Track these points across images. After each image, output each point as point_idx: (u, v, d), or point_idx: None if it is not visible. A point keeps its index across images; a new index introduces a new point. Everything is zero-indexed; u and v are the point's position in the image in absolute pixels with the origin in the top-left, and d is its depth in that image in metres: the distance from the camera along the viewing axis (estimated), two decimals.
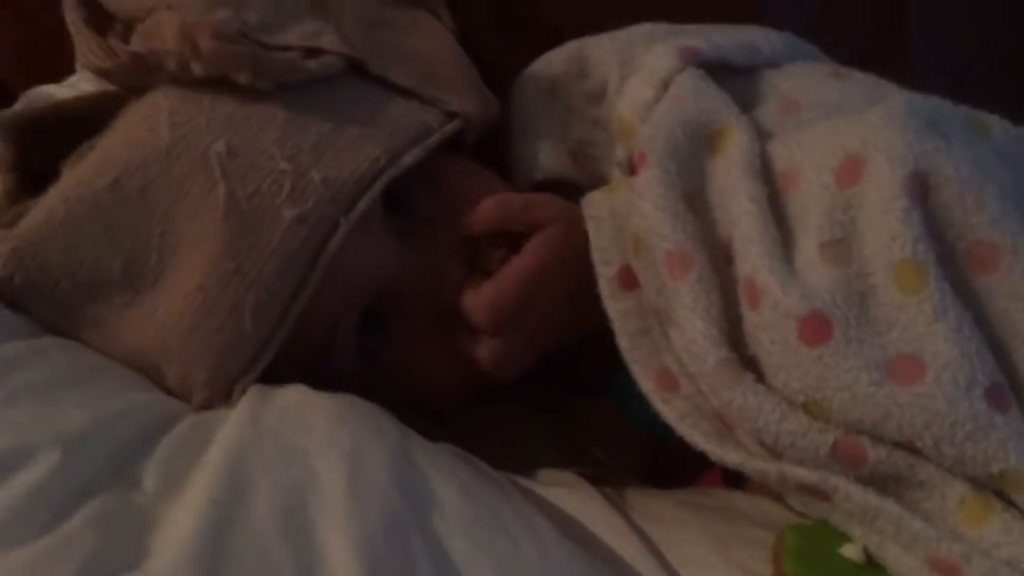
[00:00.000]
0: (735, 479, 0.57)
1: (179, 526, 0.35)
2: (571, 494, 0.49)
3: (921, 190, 0.43)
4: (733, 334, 0.46)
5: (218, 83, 0.51)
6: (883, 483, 0.44)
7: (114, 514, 0.36)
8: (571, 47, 0.61)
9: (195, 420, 0.44)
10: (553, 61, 0.61)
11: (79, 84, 0.67)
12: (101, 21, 0.54)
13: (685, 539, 0.47)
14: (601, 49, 0.60)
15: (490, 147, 0.61)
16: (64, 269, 0.49)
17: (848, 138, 0.46)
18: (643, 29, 0.61)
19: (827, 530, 0.45)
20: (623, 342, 0.49)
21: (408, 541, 0.37)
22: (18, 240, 0.50)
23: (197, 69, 0.50)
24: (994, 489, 0.42)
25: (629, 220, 0.49)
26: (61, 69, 0.71)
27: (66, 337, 0.50)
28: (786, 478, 0.44)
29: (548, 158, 0.59)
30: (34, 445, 0.37)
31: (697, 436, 0.46)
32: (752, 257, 0.45)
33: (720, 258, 0.47)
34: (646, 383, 0.48)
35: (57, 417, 0.40)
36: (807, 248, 0.45)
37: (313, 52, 0.54)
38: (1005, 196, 0.43)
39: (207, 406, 0.48)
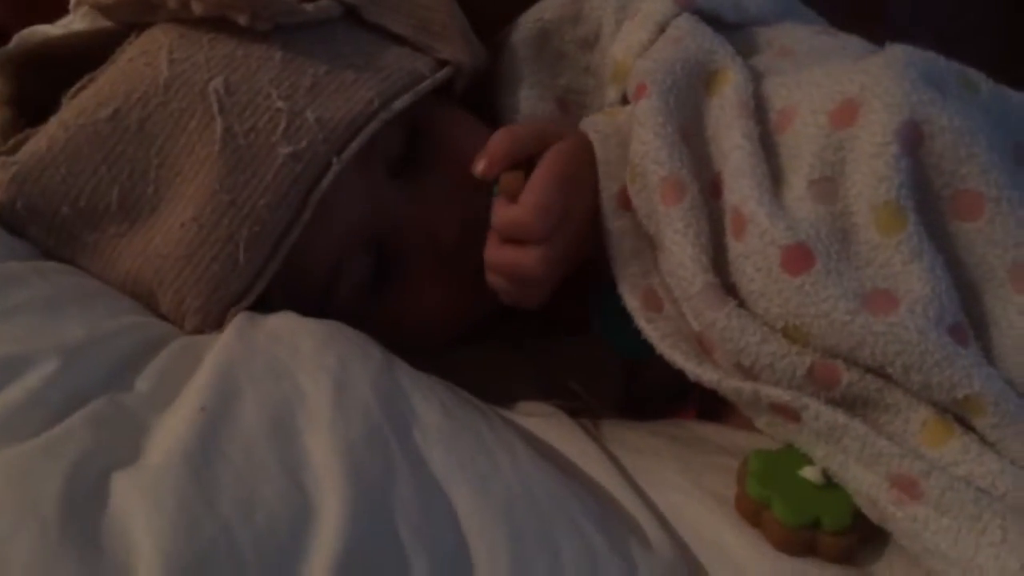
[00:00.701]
0: (707, 415, 0.59)
1: (171, 429, 0.38)
2: (548, 423, 0.51)
3: (914, 138, 0.45)
4: (717, 262, 0.48)
5: (217, 22, 0.52)
6: (852, 405, 0.46)
7: (109, 416, 0.38)
8: None
9: (186, 340, 0.46)
10: (547, 7, 0.62)
11: (72, 25, 0.67)
12: None
13: (656, 465, 0.50)
14: None
15: (475, 95, 0.63)
16: (64, 195, 0.51)
17: (847, 83, 0.48)
18: None
19: (789, 455, 0.47)
20: (615, 259, 0.51)
21: (389, 450, 0.39)
22: (20, 166, 0.51)
23: (197, 8, 0.52)
24: (955, 414, 0.44)
25: (629, 143, 0.50)
26: (55, 12, 0.72)
27: (64, 263, 0.51)
28: (759, 397, 0.46)
29: (535, 105, 0.60)
30: (33, 354, 0.39)
31: (677, 355, 0.49)
32: (741, 189, 0.47)
33: (709, 190, 0.49)
34: (632, 301, 0.50)
35: (56, 330, 0.42)
36: (796, 184, 0.47)
37: None
38: (992, 149, 0.46)
39: (199, 331, 0.50)
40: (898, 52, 0.49)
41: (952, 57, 0.53)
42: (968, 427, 0.44)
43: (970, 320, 0.45)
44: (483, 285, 0.60)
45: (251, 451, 0.37)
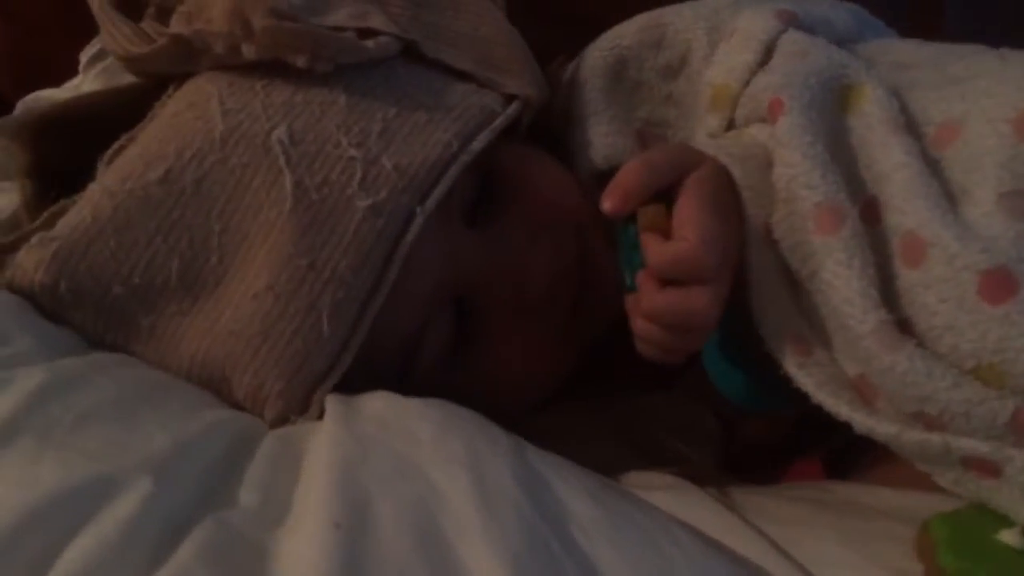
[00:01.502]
0: (834, 471, 0.54)
1: (300, 556, 0.31)
2: (677, 497, 0.45)
3: None
4: (885, 297, 0.42)
5: (269, 66, 0.47)
6: None
7: (222, 544, 0.31)
8: (646, 17, 0.56)
9: (280, 435, 0.39)
10: (624, 33, 0.56)
11: (81, 87, 0.61)
12: (132, 4, 0.49)
13: (810, 536, 0.43)
14: (682, 17, 0.55)
15: (536, 131, 0.57)
16: (115, 272, 0.44)
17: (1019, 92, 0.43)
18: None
19: (976, 517, 0.41)
20: (758, 297, 0.44)
21: (552, 554, 0.33)
22: (62, 242, 0.44)
23: (249, 52, 0.46)
24: None
25: (767, 167, 0.45)
26: (57, 72, 0.66)
27: (116, 351, 0.45)
28: (951, 450, 0.41)
29: (612, 141, 0.54)
30: (119, 474, 0.32)
31: (842, 406, 0.42)
32: (916, 211, 0.42)
33: (863, 216, 0.44)
34: (779, 344, 0.44)
35: (137, 441, 0.34)
36: (983, 199, 0.42)
37: (367, 33, 0.49)
38: None
39: (283, 419, 0.43)
40: None
41: None
42: None
43: None
44: (572, 338, 0.54)
45: (403, 572, 0.30)
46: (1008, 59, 0.49)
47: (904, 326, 0.42)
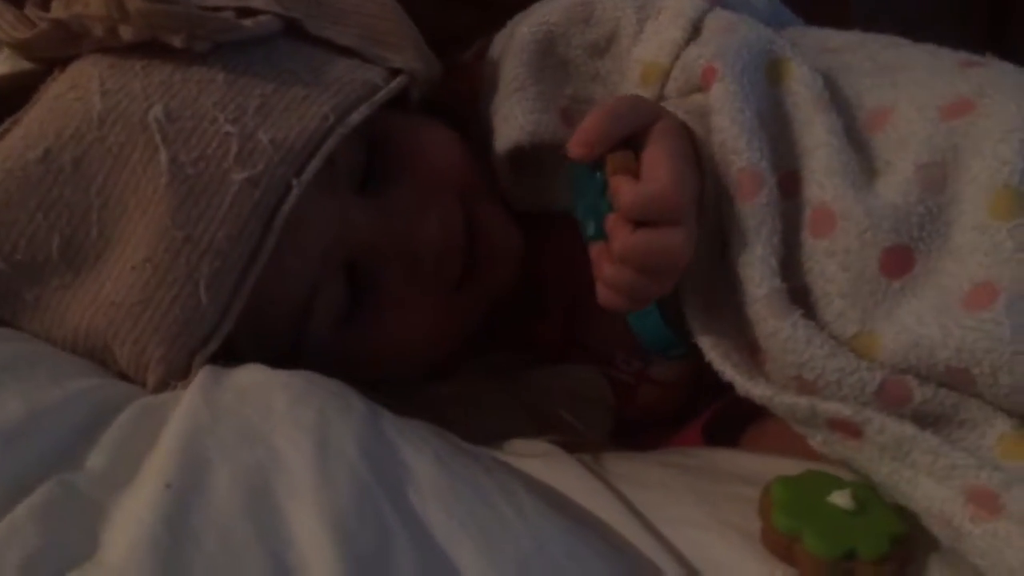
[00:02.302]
0: (713, 438, 0.56)
1: (132, 512, 0.33)
2: (548, 464, 0.47)
3: None
4: (785, 263, 0.45)
5: (149, 47, 0.48)
6: (922, 422, 0.43)
7: (58, 503, 0.33)
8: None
9: (145, 403, 0.41)
10: (552, 10, 0.57)
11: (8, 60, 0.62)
12: None
13: (669, 500, 0.46)
14: None
15: (451, 108, 0.59)
16: None
17: (960, 82, 0.46)
18: None
19: (815, 480, 0.44)
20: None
21: (382, 515, 0.35)
22: None
23: (126, 33, 0.47)
24: None
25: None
26: None
27: (3, 325, 0.46)
28: (817, 413, 0.43)
29: (537, 118, 0.54)
30: None
31: (728, 367, 0.45)
32: (834, 186, 0.44)
33: (781, 185, 0.46)
34: (693, 300, 0.47)
35: None
36: (903, 169, 0.45)
37: (246, 12, 0.51)
38: None
39: (163, 384, 0.45)
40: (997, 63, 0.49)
41: None
42: None
43: None
44: (465, 302, 0.56)
45: (227, 533, 0.32)
46: (937, 54, 0.52)
47: (798, 293, 0.44)
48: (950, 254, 0.43)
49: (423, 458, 0.39)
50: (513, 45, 0.56)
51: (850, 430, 0.43)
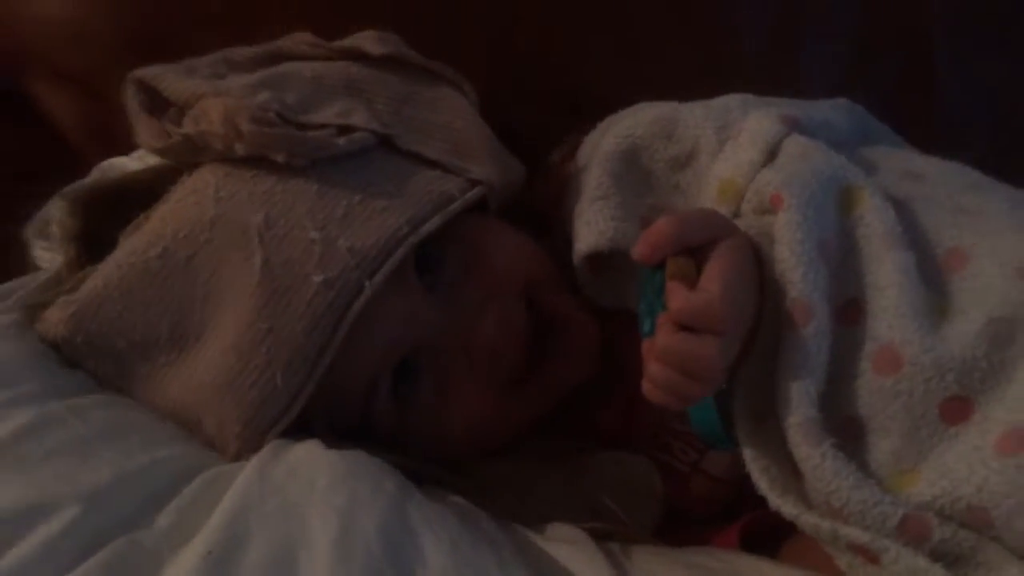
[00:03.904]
0: (754, 543, 0.58)
1: (179, 571, 0.39)
2: (573, 552, 0.51)
3: None
4: (839, 390, 0.48)
5: (259, 160, 0.56)
6: (941, 561, 0.45)
7: (124, 558, 0.40)
8: (660, 110, 0.61)
9: (215, 472, 0.48)
10: (637, 123, 0.61)
11: (145, 156, 0.72)
12: (157, 105, 0.60)
13: None
14: (693, 115, 0.60)
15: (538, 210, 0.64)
16: (119, 330, 0.55)
17: None
18: (736, 98, 0.62)
19: None
20: (747, 365, 0.50)
21: None
22: (78, 304, 0.55)
23: (239, 149, 0.55)
24: None
25: None
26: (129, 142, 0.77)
27: (120, 393, 0.55)
28: (838, 536, 0.46)
29: (618, 225, 0.58)
30: (55, 501, 0.42)
31: (764, 481, 0.49)
32: (903, 328, 0.47)
33: (841, 314, 0.49)
34: (742, 409, 0.50)
35: (84, 474, 0.44)
36: (975, 318, 0.48)
37: (345, 129, 0.58)
38: None
39: (239, 456, 0.52)
40: None
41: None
42: None
43: None
44: (532, 394, 0.61)
45: None
46: (1017, 204, 0.54)
47: (853, 422, 0.48)
48: (1002, 403, 0.46)
49: (440, 546, 0.44)
50: (599, 154, 0.61)
51: (869, 556, 0.46)
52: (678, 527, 0.61)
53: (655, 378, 0.47)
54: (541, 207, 0.65)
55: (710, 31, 0.74)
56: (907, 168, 0.58)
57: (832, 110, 0.63)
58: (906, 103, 0.68)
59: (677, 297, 0.46)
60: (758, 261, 0.50)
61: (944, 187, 0.55)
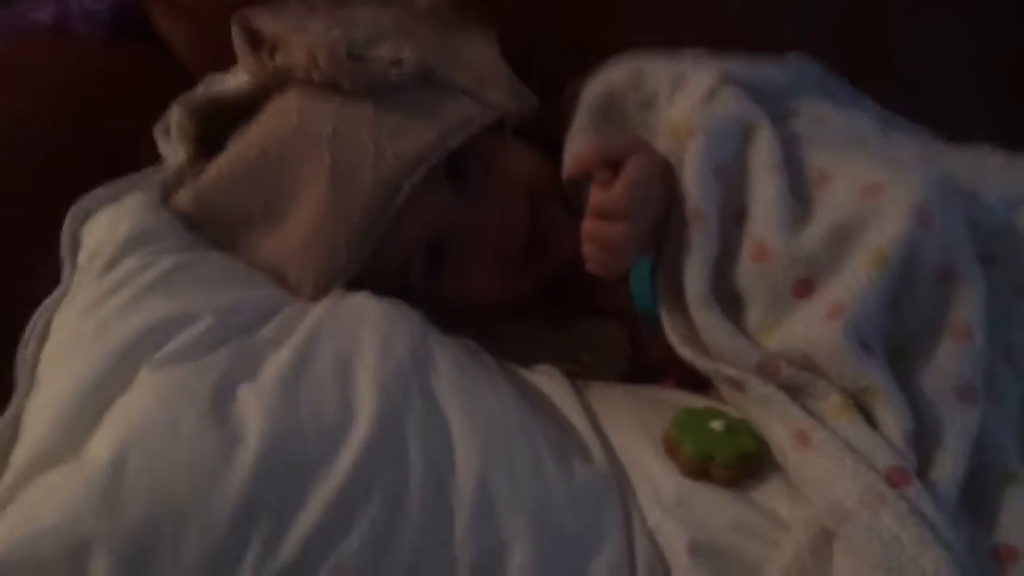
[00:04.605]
0: (688, 387, 0.77)
1: (275, 363, 0.61)
2: (545, 380, 0.71)
3: (924, 216, 0.63)
4: (726, 272, 0.66)
5: (331, 86, 0.75)
6: (789, 389, 0.64)
7: (242, 351, 0.61)
8: (631, 65, 0.79)
9: (298, 307, 0.69)
10: (614, 73, 0.79)
11: (239, 73, 0.90)
12: (255, 40, 0.80)
13: (618, 414, 0.69)
14: (656, 67, 0.78)
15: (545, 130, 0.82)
16: (229, 207, 0.75)
17: (884, 170, 0.65)
18: (691, 57, 0.80)
19: (706, 413, 0.65)
20: (668, 254, 0.68)
21: (409, 384, 0.61)
22: (200, 188, 0.76)
23: (316, 76, 0.75)
24: (858, 400, 0.62)
25: None
26: (226, 61, 0.96)
27: (226, 251, 0.75)
28: (719, 373, 0.66)
29: None
30: (198, 312, 0.63)
31: (674, 336, 0.68)
32: (770, 228, 0.65)
33: (733, 216, 0.67)
34: (664, 288, 0.68)
35: (214, 297, 0.66)
36: (822, 222, 0.65)
37: (396, 62, 0.77)
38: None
39: (312, 299, 0.72)
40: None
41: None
42: (864, 411, 0.62)
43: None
44: (527, 273, 0.80)
45: (321, 379, 0.60)
46: (885, 148, 0.72)
47: (735, 294, 0.66)
48: (834, 286, 0.63)
49: (447, 360, 0.65)
50: (586, 95, 0.80)
51: (738, 386, 0.65)
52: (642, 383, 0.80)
53: (585, 254, 0.68)
54: (551, 131, 0.84)
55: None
56: (815, 115, 0.75)
57: (776, 68, 0.80)
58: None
59: (594, 195, 0.66)
60: (670, 175, 0.68)
61: (835, 132, 0.73)
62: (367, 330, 0.65)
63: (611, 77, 0.79)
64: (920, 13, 0.94)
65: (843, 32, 0.94)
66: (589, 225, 0.66)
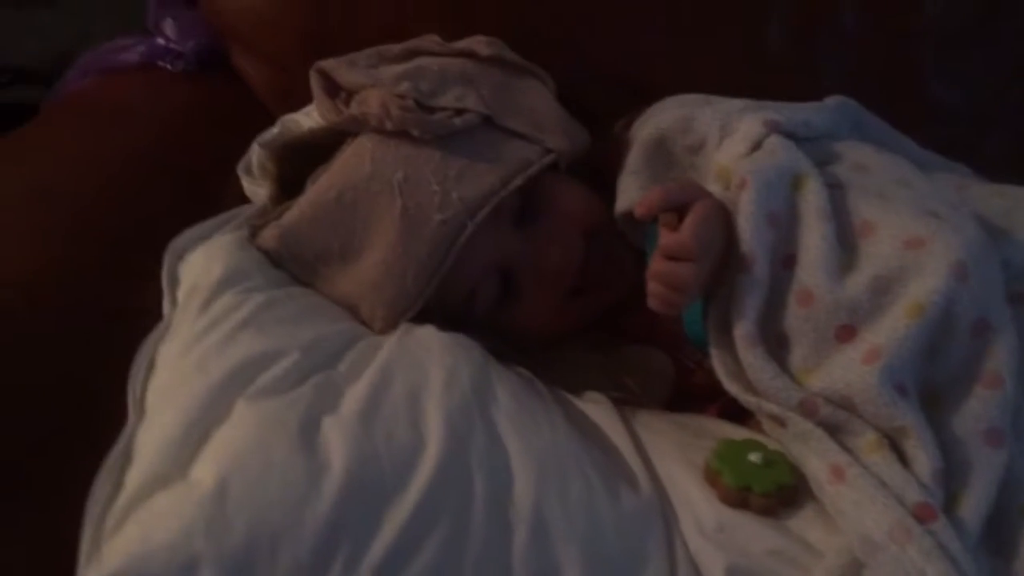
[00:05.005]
0: (729, 417, 0.82)
1: (354, 396, 0.68)
2: (594, 407, 0.77)
3: (962, 272, 0.67)
4: (773, 316, 0.70)
5: (401, 133, 0.81)
6: (827, 427, 0.69)
7: (324, 385, 0.68)
8: (680, 112, 0.83)
9: (372, 340, 0.76)
10: (664, 119, 0.84)
11: (313, 113, 0.97)
12: (332, 88, 0.87)
13: (663, 442, 0.74)
14: (705, 114, 0.82)
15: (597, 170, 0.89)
16: (309, 246, 0.82)
17: (924, 225, 0.69)
18: (737, 103, 0.83)
19: (746, 445, 0.70)
20: (721, 292, 0.72)
21: (472, 416, 0.68)
22: (283, 228, 0.83)
23: (388, 125, 0.81)
24: (891, 438, 0.67)
25: None
26: (300, 102, 1.02)
27: (308, 287, 0.83)
28: (761, 408, 0.71)
29: (642, 192, 0.79)
30: (285, 349, 0.71)
31: (721, 370, 0.73)
32: (817, 275, 0.69)
33: (782, 262, 0.72)
34: (714, 322, 0.73)
35: (299, 333, 0.73)
36: (866, 274, 0.69)
37: (460, 111, 0.84)
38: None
39: (383, 331, 0.79)
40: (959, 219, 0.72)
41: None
42: (898, 449, 0.67)
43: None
44: (581, 305, 0.87)
45: (395, 410, 0.67)
46: (926, 196, 0.75)
47: (781, 336, 0.71)
48: (873, 332, 0.68)
49: (507, 394, 0.71)
50: (638, 138, 0.85)
51: (778, 421, 0.70)
52: (684, 409, 0.86)
53: (651, 291, 0.72)
54: (604, 166, 0.90)
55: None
56: (857, 161, 0.79)
57: (815, 112, 0.84)
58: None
59: (664, 237, 0.71)
60: (728, 221, 0.72)
61: (879, 177, 0.77)
62: (434, 364, 0.71)
63: (660, 122, 0.85)
64: (953, 46, 0.97)
65: (877, 68, 0.98)
66: (657, 264, 0.70)
